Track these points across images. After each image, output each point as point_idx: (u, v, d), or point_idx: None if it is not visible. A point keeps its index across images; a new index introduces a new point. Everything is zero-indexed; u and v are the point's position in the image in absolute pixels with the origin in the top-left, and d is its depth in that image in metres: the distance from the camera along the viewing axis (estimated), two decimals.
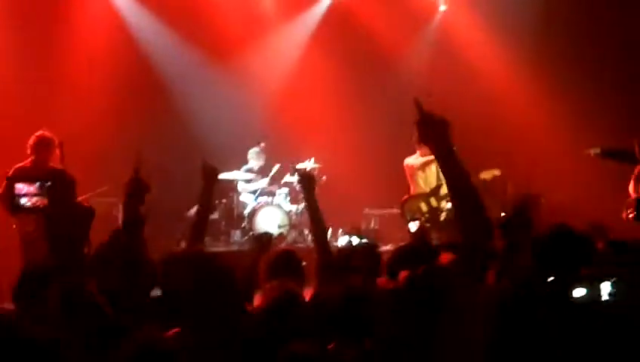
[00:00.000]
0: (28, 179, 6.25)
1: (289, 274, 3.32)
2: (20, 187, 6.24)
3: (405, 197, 8.15)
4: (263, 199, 9.51)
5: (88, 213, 6.39)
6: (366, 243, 3.92)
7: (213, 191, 3.54)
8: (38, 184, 6.24)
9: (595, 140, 7.98)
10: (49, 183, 6.22)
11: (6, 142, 7.86)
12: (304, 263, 3.78)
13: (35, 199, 6.25)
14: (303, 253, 4.05)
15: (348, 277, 2.95)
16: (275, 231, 8.99)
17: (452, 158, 2.24)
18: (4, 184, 6.41)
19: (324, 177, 9.25)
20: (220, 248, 9.05)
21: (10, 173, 6.42)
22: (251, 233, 8.98)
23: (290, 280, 2.95)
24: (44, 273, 2.96)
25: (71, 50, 9.36)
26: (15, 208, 6.27)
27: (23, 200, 6.24)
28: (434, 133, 2.24)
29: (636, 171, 7.64)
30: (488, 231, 2.25)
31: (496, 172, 7.88)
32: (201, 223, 3.47)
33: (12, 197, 6.25)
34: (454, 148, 2.24)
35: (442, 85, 9.87)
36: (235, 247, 9.22)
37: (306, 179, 3.81)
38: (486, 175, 7.80)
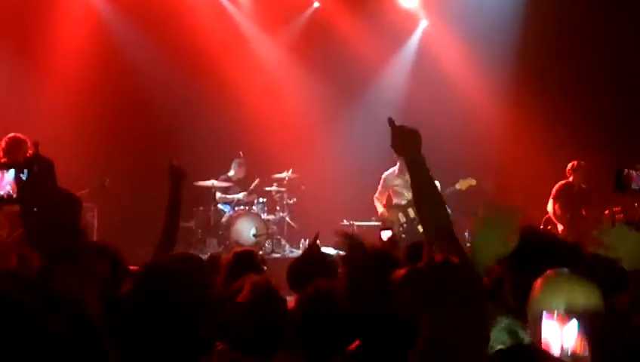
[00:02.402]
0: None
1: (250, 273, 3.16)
2: None
3: (384, 208, 8.27)
4: (240, 208, 9.48)
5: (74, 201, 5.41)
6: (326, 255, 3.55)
7: (182, 195, 3.38)
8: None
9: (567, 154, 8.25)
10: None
11: None
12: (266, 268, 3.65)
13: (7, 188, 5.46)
14: (279, 262, 4.00)
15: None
16: (251, 239, 8.97)
17: (420, 166, 2.34)
18: None
19: (302, 187, 9.24)
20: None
21: None
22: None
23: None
24: None
25: (50, 52, 9.22)
26: None
27: None
28: (405, 143, 2.34)
29: (555, 191, 7.99)
30: (452, 237, 2.26)
31: (472, 181, 8.06)
32: (171, 228, 3.30)
33: None
34: (423, 157, 2.34)
35: (421, 98, 9.98)
36: None
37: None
38: (461, 185, 8.00)
